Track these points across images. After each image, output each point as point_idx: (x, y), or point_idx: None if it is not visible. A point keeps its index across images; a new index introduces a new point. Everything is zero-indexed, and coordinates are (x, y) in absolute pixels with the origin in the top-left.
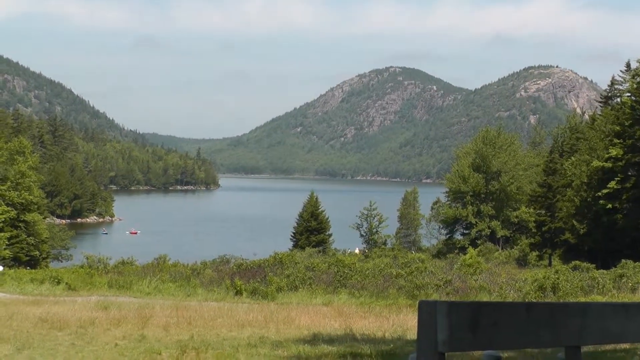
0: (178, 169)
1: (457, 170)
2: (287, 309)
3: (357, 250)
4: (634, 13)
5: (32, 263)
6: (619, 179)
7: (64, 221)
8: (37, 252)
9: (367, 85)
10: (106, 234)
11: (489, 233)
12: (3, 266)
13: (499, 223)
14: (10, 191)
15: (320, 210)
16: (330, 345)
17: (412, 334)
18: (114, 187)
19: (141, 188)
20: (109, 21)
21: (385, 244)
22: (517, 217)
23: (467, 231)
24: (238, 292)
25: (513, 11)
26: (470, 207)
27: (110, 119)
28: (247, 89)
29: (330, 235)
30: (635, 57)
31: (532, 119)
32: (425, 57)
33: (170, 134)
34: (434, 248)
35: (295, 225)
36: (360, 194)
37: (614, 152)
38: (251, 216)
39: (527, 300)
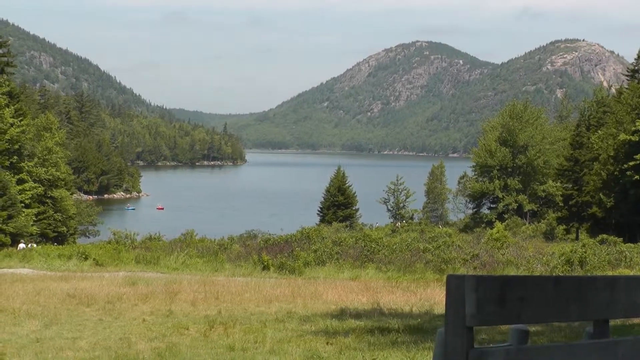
0: (205, 145)
1: (484, 145)
2: (315, 283)
3: (398, 224)
4: None
5: (60, 239)
6: None
7: (91, 197)
8: (65, 228)
9: (394, 60)
10: (133, 209)
11: (516, 207)
12: (35, 242)
13: (526, 197)
14: (37, 167)
15: (347, 185)
16: (357, 320)
17: (440, 309)
18: (140, 162)
19: (168, 164)
20: None
21: (412, 218)
22: (544, 191)
23: (494, 205)
24: (265, 267)
25: None
26: (497, 181)
27: (137, 94)
28: (274, 64)
29: (357, 209)
30: None
31: (559, 93)
32: (452, 31)
33: (197, 110)
34: (461, 222)
35: (322, 200)
36: (387, 169)
37: None
38: (278, 191)
39: (554, 274)
